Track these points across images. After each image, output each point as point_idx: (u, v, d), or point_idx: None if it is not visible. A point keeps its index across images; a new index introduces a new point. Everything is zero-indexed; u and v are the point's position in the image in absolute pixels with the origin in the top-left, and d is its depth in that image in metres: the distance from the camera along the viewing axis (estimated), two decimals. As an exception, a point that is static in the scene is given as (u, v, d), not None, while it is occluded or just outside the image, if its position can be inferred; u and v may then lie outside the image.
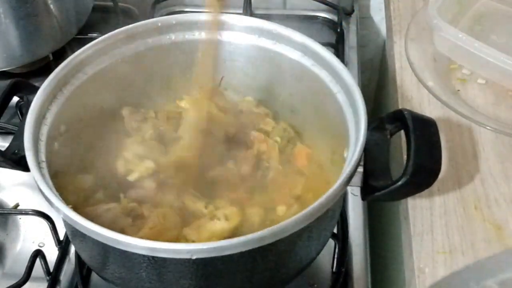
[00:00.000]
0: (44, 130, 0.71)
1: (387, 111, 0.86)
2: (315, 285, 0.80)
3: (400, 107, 0.91)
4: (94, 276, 0.82)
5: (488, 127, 0.86)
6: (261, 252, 0.62)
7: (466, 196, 0.80)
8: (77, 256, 0.81)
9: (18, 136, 0.72)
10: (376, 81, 1.37)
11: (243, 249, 0.59)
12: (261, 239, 0.60)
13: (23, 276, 0.78)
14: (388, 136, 0.72)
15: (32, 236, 0.87)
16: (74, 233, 0.69)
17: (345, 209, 0.87)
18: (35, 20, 1.00)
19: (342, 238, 0.83)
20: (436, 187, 0.80)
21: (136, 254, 0.61)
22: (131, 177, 0.77)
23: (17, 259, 0.85)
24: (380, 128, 0.72)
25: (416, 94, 0.93)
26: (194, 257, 0.59)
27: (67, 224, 0.70)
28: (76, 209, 0.63)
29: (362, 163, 0.68)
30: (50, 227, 0.83)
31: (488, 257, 0.56)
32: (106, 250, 0.65)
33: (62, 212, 0.62)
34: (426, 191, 0.78)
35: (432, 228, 0.77)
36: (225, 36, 0.84)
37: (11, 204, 0.92)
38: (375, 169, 0.70)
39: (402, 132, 0.73)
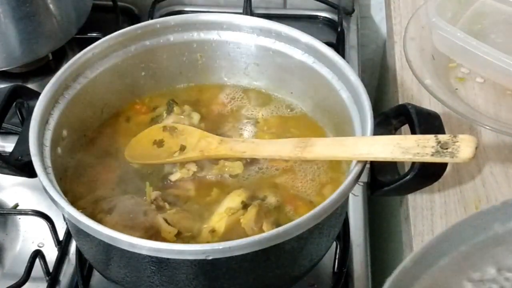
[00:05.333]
0: (48, 135, 0.71)
1: (388, 110, 0.86)
2: (315, 285, 0.80)
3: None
4: (94, 277, 0.82)
5: (487, 127, 0.85)
6: (274, 251, 0.62)
7: (467, 196, 0.80)
8: (78, 256, 0.81)
9: (21, 142, 0.72)
10: (377, 81, 1.37)
11: (258, 248, 0.59)
12: (274, 237, 0.60)
13: (23, 277, 0.78)
14: (393, 131, 0.72)
15: (31, 236, 0.87)
16: (81, 233, 0.68)
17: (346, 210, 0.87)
18: (35, 20, 1.00)
19: (343, 238, 0.83)
20: (436, 187, 0.79)
21: (147, 256, 0.61)
22: (173, 177, 0.77)
23: (16, 259, 0.85)
24: (384, 123, 0.72)
25: (416, 94, 0.93)
26: (210, 258, 0.59)
27: (74, 227, 0.68)
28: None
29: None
30: (49, 227, 0.83)
31: (484, 210, 0.54)
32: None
33: (74, 218, 0.62)
34: (427, 192, 0.78)
35: (433, 228, 0.77)
36: (224, 35, 0.84)
37: (10, 204, 0.91)
38: (382, 164, 0.70)
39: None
